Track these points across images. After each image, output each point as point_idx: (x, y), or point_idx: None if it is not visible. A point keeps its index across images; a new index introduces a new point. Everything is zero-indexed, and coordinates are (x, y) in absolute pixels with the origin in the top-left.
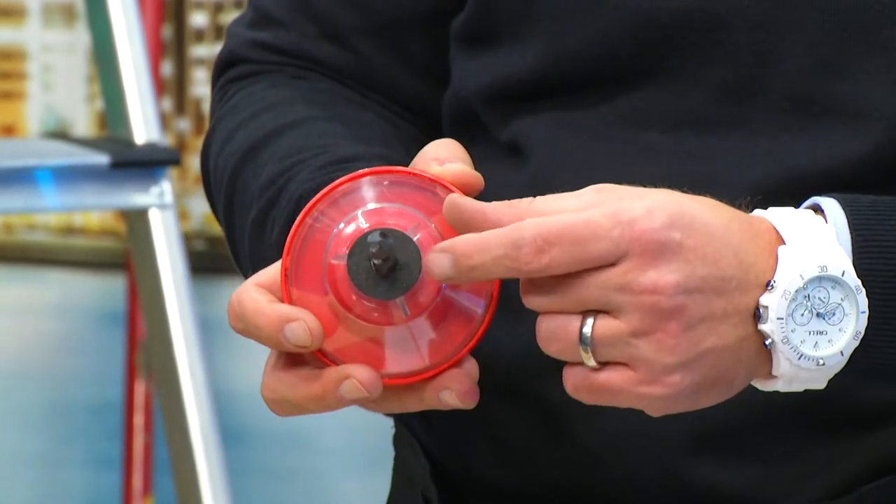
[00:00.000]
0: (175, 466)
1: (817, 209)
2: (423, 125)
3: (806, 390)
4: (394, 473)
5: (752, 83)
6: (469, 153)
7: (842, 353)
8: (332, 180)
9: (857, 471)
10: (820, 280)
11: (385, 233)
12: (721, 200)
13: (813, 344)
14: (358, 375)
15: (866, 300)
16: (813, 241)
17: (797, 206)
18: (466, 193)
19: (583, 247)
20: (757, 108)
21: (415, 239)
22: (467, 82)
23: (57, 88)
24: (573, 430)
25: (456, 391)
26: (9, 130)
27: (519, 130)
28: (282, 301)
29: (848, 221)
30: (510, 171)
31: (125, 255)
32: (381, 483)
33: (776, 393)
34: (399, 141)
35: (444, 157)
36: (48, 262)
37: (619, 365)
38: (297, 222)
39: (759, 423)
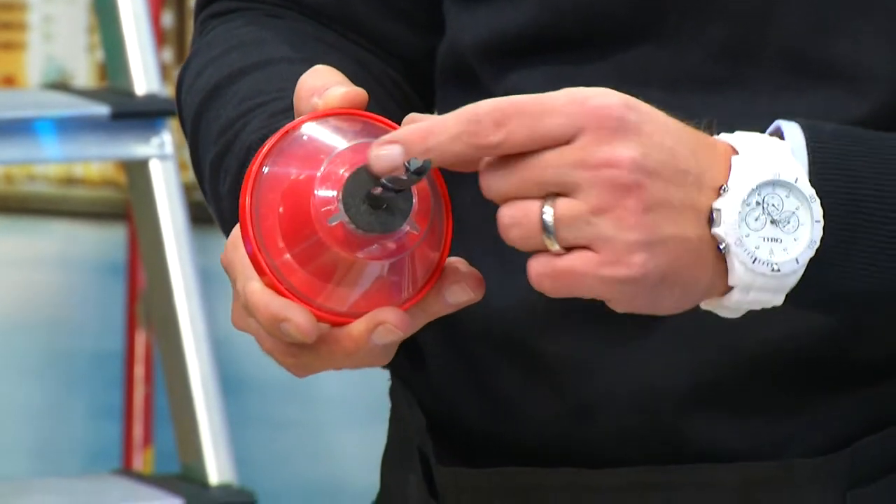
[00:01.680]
0: (175, 416)
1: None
2: (406, 71)
3: (799, 348)
4: (390, 426)
5: (749, 42)
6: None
7: (797, 260)
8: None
9: (854, 425)
10: (773, 185)
11: (363, 168)
12: None
13: (768, 251)
14: (390, 319)
15: (821, 210)
16: (767, 153)
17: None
18: (359, 108)
19: (539, 120)
20: (755, 67)
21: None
22: (462, 36)
23: (57, 39)
24: (566, 385)
25: (466, 282)
26: (9, 81)
27: (515, 85)
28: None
29: (806, 142)
30: None
31: (125, 205)
32: (381, 433)
33: (773, 347)
34: (368, 84)
35: (319, 87)
36: (48, 212)
37: (581, 249)
38: (242, 212)
39: (754, 378)
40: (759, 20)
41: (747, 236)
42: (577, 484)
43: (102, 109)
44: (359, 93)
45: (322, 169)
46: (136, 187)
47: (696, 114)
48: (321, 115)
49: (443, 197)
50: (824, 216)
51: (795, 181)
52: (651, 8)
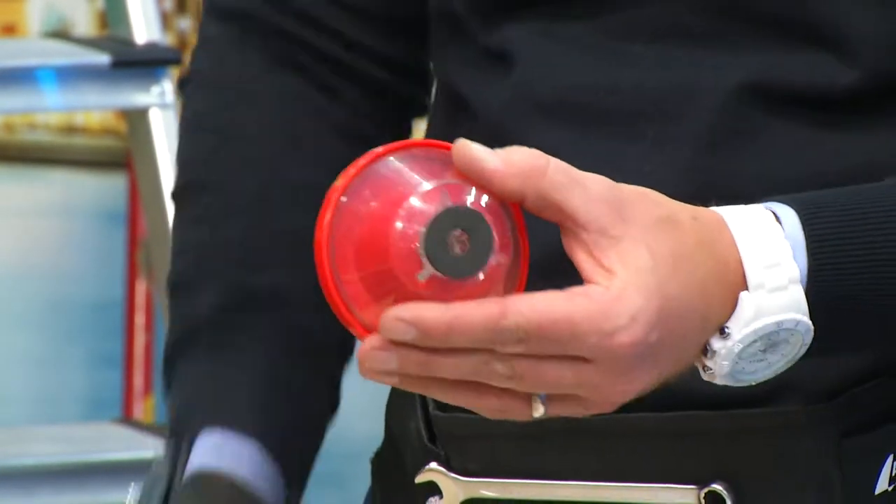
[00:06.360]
0: None
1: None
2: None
3: None
4: None
5: (738, 2)
6: (454, 56)
7: (776, 372)
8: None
9: (849, 373)
10: (774, 332)
11: (450, 211)
12: (700, 110)
13: (752, 370)
14: None
15: (812, 334)
16: (775, 287)
17: (779, 111)
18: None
19: (559, 345)
20: (743, 27)
21: (470, 202)
22: None
23: None
24: None
25: None
26: (10, 30)
27: (504, 38)
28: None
29: (806, 244)
30: (493, 79)
31: (126, 154)
32: None
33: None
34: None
35: None
36: (49, 161)
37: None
38: (324, 274)
39: None
40: None
41: (736, 363)
42: (574, 429)
43: (103, 58)
44: None
45: (399, 221)
46: (136, 136)
47: (679, 66)
48: (397, 149)
49: (514, 212)
50: (816, 313)
51: (796, 325)
52: None
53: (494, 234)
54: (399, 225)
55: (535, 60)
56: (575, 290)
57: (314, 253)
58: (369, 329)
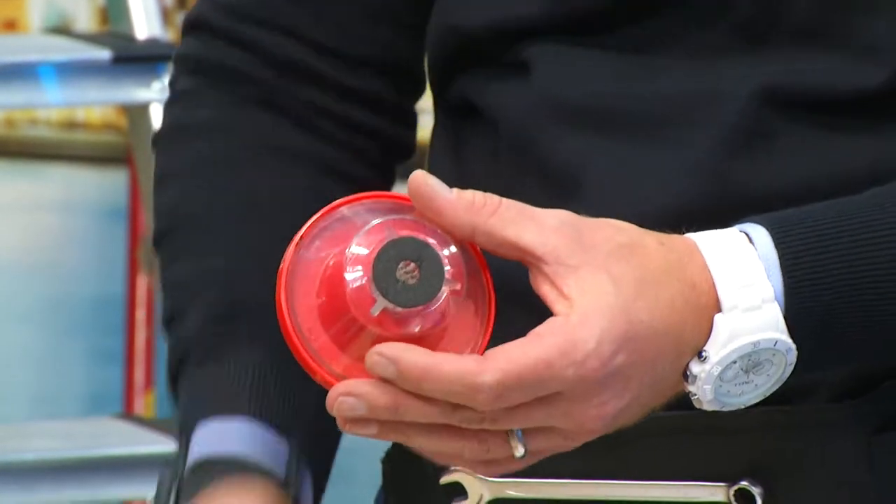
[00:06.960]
0: None
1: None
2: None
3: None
4: None
5: (769, 16)
6: (467, 72)
7: (764, 394)
8: None
9: (880, 370)
10: (752, 352)
11: (395, 242)
12: (722, 115)
13: (739, 392)
14: None
15: (795, 354)
16: (749, 307)
17: (799, 115)
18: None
19: (537, 388)
20: (772, 39)
21: (416, 234)
22: (466, 19)
23: None
24: None
25: None
26: (10, 26)
27: (528, 55)
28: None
29: (780, 262)
30: (515, 87)
31: (127, 149)
32: None
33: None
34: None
35: None
36: (50, 157)
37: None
38: (280, 307)
39: None
40: None
41: (720, 386)
42: None
43: (104, 54)
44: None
45: (348, 260)
46: (137, 131)
47: (703, 77)
48: (350, 201)
49: (474, 253)
50: (796, 331)
51: (775, 345)
52: None
53: (444, 262)
54: (349, 264)
55: (558, 68)
56: (539, 331)
57: (276, 312)
58: (338, 379)
